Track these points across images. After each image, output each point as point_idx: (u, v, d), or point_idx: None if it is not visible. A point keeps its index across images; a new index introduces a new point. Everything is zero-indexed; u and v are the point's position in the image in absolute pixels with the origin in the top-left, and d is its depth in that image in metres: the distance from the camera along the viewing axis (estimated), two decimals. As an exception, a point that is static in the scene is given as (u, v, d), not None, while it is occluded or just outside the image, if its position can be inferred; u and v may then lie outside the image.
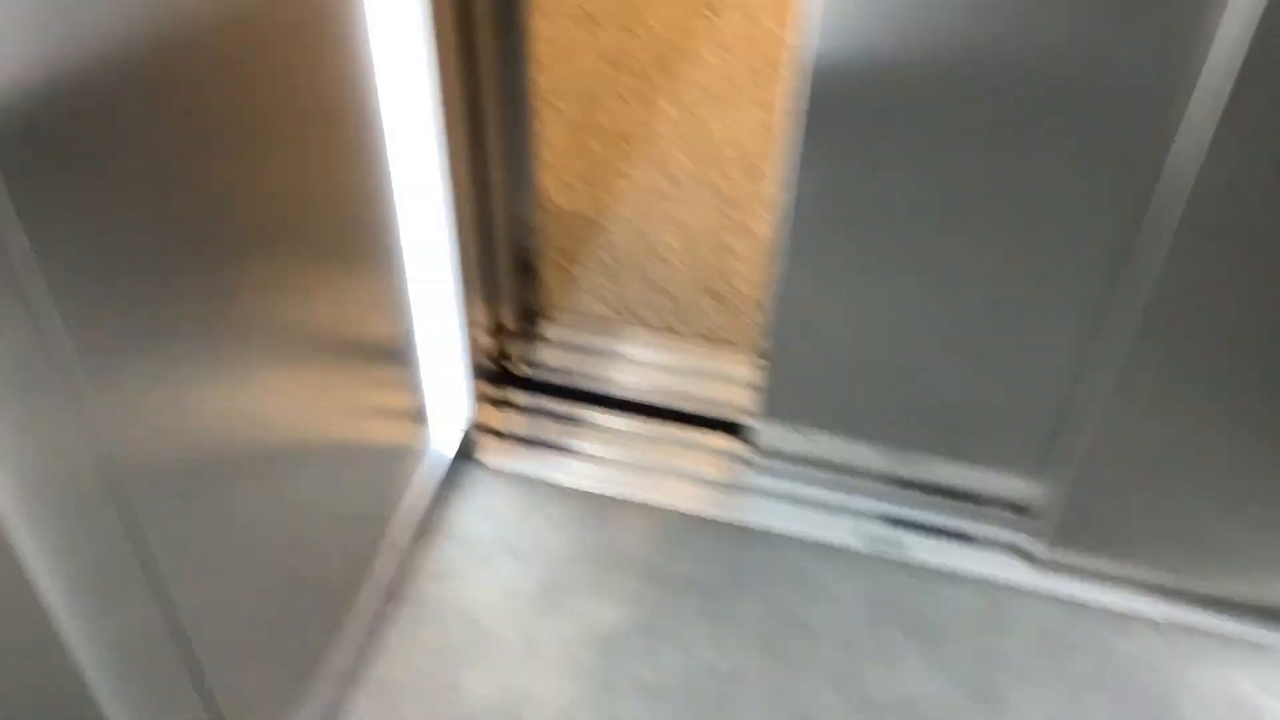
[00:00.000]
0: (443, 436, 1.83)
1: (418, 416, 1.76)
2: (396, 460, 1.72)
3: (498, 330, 1.97)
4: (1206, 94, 1.28)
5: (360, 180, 1.41)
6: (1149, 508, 1.68)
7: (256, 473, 1.29)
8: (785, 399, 1.81)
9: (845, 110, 1.44)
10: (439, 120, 1.48)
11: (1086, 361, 1.59)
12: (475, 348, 1.83)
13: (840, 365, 1.73)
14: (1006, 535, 1.83)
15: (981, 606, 1.74)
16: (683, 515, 1.84)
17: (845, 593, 1.75)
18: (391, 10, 1.36)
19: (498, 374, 2.00)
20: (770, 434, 1.86)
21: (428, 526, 1.80)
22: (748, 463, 1.90)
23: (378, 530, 1.68)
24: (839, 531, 1.83)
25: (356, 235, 1.44)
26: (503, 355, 2.01)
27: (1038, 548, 1.79)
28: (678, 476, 1.89)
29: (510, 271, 1.95)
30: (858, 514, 1.85)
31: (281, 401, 1.33)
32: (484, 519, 1.82)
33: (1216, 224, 1.36)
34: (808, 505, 1.86)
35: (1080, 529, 1.74)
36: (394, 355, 1.64)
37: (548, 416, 1.97)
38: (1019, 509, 1.83)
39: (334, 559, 1.56)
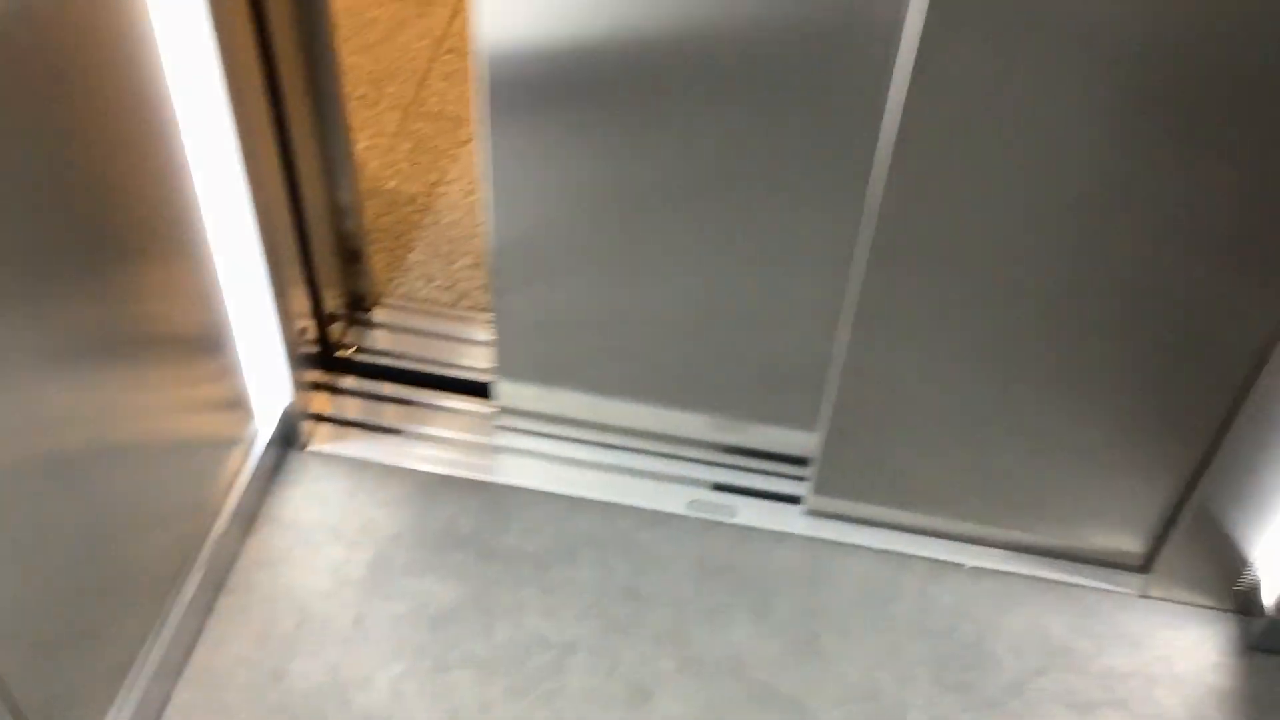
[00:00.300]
0: (268, 425, 1.83)
1: (240, 407, 1.76)
2: (219, 452, 1.71)
3: (324, 317, 1.96)
4: (907, 42, 1.31)
5: (154, 175, 1.40)
6: (921, 454, 1.72)
7: (59, 476, 1.28)
8: (518, 359, 1.85)
9: (530, 80, 1.46)
10: (231, 110, 1.47)
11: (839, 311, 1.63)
12: (298, 335, 1.83)
13: (588, 329, 1.76)
14: (803, 489, 1.89)
15: (802, 563, 1.80)
16: (513, 489, 1.86)
17: (674, 558, 1.80)
18: None
19: (326, 360, 2.00)
20: (507, 393, 1.89)
21: (255, 516, 1.79)
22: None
23: (202, 523, 1.67)
24: (667, 498, 1.87)
25: (154, 229, 1.43)
26: (330, 341, 2.01)
27: (810, 497, 1.84)
28: (505, 452, 1.91)
29: (333, 257, 1.94)
30: (684, 480, 1.89)
31: (87, 401, 1.32)
32: (313, 505, 1.82)
33: (918, 166, 1.39)
34: (638, 475, 1.89)
35: (844, 477, 1.78)
36: (209, 348, 1.63)
37: (377, 400, 1.98)
38: (806, 463, 1.88)
39: (154, 554, 1.55)
